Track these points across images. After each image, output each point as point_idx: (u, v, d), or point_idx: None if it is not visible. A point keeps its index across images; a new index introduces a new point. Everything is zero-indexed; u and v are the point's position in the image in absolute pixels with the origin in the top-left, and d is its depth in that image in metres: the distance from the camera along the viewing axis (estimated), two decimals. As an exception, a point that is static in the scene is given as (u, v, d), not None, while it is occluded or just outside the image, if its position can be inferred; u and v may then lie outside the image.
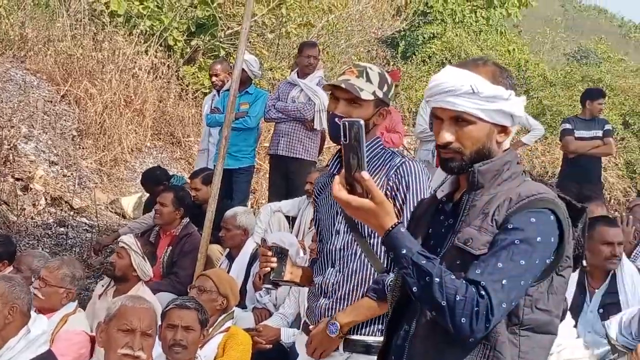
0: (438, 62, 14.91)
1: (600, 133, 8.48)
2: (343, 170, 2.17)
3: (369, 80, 3.00)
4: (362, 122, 2.14)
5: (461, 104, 2.18)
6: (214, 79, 7.97)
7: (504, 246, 2.08)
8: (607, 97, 8.99)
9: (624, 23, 34.62)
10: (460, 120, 2.20)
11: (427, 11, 15.67)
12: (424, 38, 15.50)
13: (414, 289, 2.08)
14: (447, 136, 2.21)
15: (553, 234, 2.14)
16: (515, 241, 2.08)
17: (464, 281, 2.05)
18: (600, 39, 22.42)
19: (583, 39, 23.12)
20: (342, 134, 2.16)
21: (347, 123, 2.16)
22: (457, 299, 2.02)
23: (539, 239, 2.10)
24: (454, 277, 2.05)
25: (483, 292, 2.02)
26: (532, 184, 2.24)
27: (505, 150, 2.29)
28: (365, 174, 2.12)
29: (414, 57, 15.37)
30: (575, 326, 4.40)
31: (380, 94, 3.02)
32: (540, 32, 22.62)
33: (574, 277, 4.64)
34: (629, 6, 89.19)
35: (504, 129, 2.26)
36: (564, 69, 16.76)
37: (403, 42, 15.65)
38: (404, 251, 2.10)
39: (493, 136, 2.24)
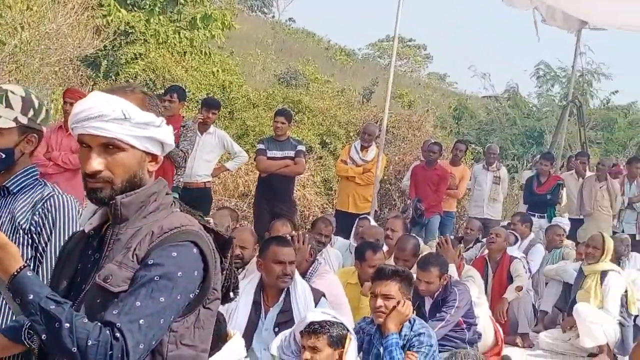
0: (142, 82, 14.66)
1: (292, 153, 8.79)
2: None
3: (9, 105, 2.74)
4: None
5: (112, 129, 2.09)
6: None
7: (143, 283, 2.01)
8: (287, 116, 9.14)
9: (330, 46, 36.25)
10: (110, 147, 2.11)
11: (130, 31, 15.37)
12: (127, 58, 15.19)
13: (43, 336, 1.95)
14: (96, 164, 2.10)
15: (197, 267, 2.10)
16: (155, 277, 2.02)
17: (98, 324, 1.95)
18: (308, 61, 23.36)
19: (293, 61, 23.91)
20: None
21: None
22: (89, 343, 1.91)
23: (180, 273, 2.05)
24: (86, 320, 1.95)
25: (118, 334, 1.93)
26: (178, 215, 2.19)
27: (156, 180, 2.22)
28: None
29: (117, 77, 15.01)
30: (251, 344, 4.47)
31: (24, 120, 2.76)
32: (252, 53, 23.10)
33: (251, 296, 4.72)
34: (335, 30, 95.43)
35: (154, 158, 2.20)
36: (266, 90, 17.20)
37: (105, 61, 15.23)
38: (31, 296, 1.96)
39: (144, 164, 2.18)
